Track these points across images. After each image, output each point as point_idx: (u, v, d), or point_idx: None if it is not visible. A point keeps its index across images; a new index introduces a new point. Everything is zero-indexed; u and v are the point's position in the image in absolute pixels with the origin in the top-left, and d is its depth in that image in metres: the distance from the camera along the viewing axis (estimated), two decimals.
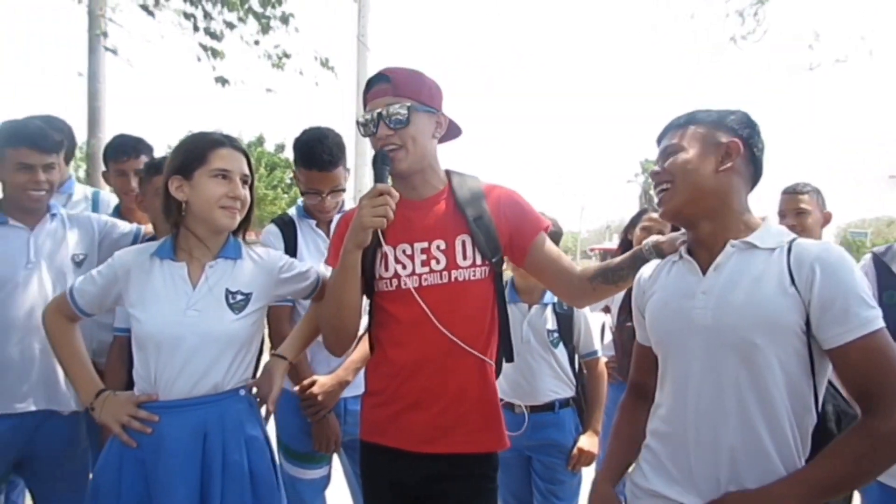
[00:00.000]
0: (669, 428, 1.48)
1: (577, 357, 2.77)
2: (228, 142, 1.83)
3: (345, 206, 2.51)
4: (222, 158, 1.79)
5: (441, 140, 1.84)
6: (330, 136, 2.36)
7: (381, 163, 1.70)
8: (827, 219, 2.89)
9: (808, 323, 1.32)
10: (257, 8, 4.26)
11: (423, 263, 1.74)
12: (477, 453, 1.77)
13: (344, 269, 1.69)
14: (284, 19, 4.32)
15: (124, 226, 2.51)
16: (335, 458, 2.53)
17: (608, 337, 3.33)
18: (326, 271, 2.04)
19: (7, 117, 2.32)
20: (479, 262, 1.76)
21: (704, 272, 1.45)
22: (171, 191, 1.79)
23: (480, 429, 1.77)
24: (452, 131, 1.86)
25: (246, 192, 1.84)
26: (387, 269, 1.74)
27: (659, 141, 1.57)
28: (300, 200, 2.55)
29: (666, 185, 1.48)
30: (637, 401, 1.67)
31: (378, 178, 1.67)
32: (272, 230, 2.47)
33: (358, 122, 1.79)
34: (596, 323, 3.00)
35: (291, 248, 2.40)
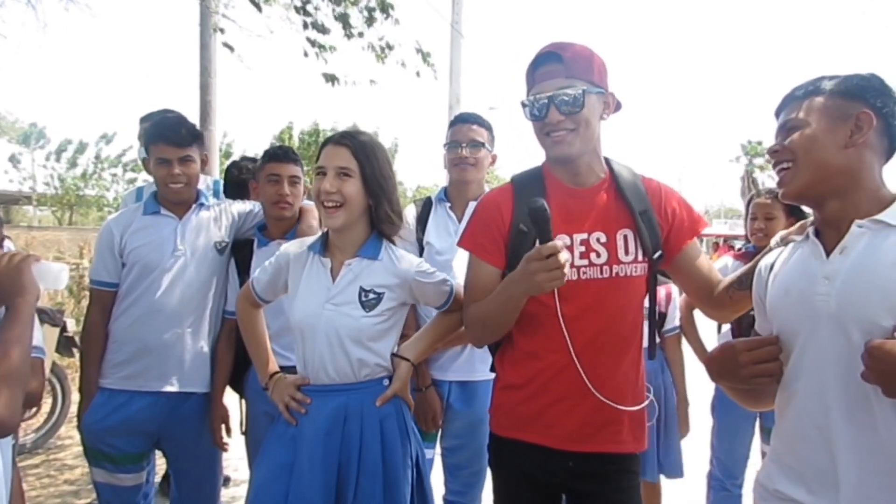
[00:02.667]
0: (792, 427, 1.39)
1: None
2: (339, 139, 1.89)
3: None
4: (323, 156, 1.88)
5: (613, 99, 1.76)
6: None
7: (539, 219, 1.50)
8: None
9: None
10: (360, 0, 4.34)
11: (583, 255, 1.69)
12: (623, 453, 1.74)
13: (508, 308, 1.64)
14: (384, 8, 4.38)
15: (254, 205, 2.66)
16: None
17: (726, 326, 3.22)
18: (458, 257, 2.13)
19: (135, 112, 2.57)
20: (640, 258, 1.71)
21: (829, 255, 1.35)
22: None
23: (630, 428, 1.74)
24: (617, 100, 1.78)
25: (348, 188, 1.84)
26: None
27: (777, 114, 1.44)
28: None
29: (787, 164, 1.37)
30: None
31: (542, 233, 1.51)
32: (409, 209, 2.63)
33: (523, 105, 1.72)
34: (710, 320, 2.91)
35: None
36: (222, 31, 5.09)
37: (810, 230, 1.44)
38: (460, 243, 1.84)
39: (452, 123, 2.61)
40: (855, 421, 1.27)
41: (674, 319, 3.10)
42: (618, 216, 1.72)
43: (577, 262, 1.68)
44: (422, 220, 2.58)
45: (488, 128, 2.59)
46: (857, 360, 1.23)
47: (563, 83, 1.65)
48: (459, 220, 2.55)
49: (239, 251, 2.55)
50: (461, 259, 2.42)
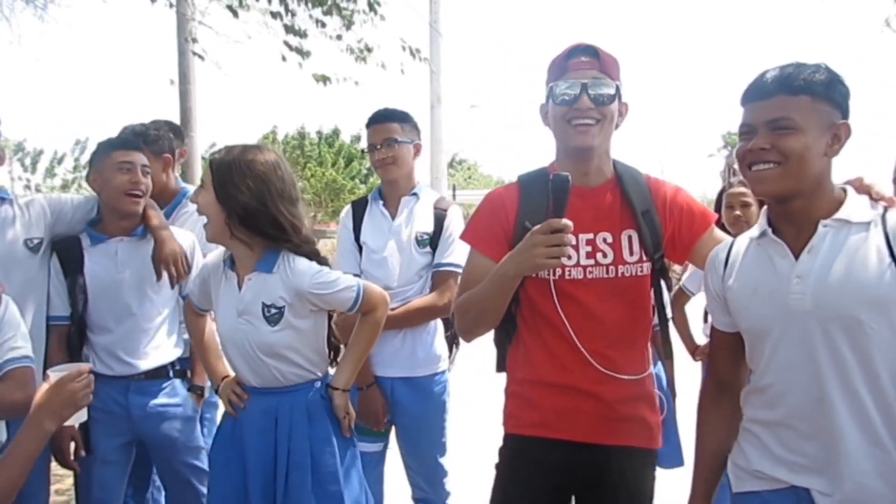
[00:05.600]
0: (776, 416, 1.44)
1: None
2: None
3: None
4: None
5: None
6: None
7: (559, 190, 1.50)
8: None
9: None
10: (341, 2, 4.31)
11: (588, 255, 1.69)
12: (642, 448, 1.77)
13: (499, 290, 1.63)
14: (371, 6, 4.35)
15: (75, 198, 2.43)
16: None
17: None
18: (458, 249, 2.20)
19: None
20: (644, 258, 1.72)
21: (795, 253, 1.39)
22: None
23: (649, 424, 1.78)
24: None
25: (202, 199, 1.93)
26: None
27: (754, 97, 1.40)
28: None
29: (773, 164, 1.36)
30: (722, 395, 1.61)
31: (557, 206, 1.50)
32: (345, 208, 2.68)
33: (551, 89, 1.73)
34: (698, 307, 2.95)
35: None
36: (195, 40, 5.05)
37: (767, 229, 1.46)
38: (462, 237, 1.86)
39: (367, 125, 2.61)
40: (848, 412, 1.32)
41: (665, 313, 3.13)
42: (622, 217, 1.73)
43: (584, 261, 1.69)
44: (357, 222, 2.60)
45: (403, 119, 2.56)
46: (840, 353, 1.31)
47: (598, 75, 1.69)
48: (393, 217, 2.56)
49: (64, 250, 2.30)
50: (394, 255, 2.48)
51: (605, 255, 1.70)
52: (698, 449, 1.65)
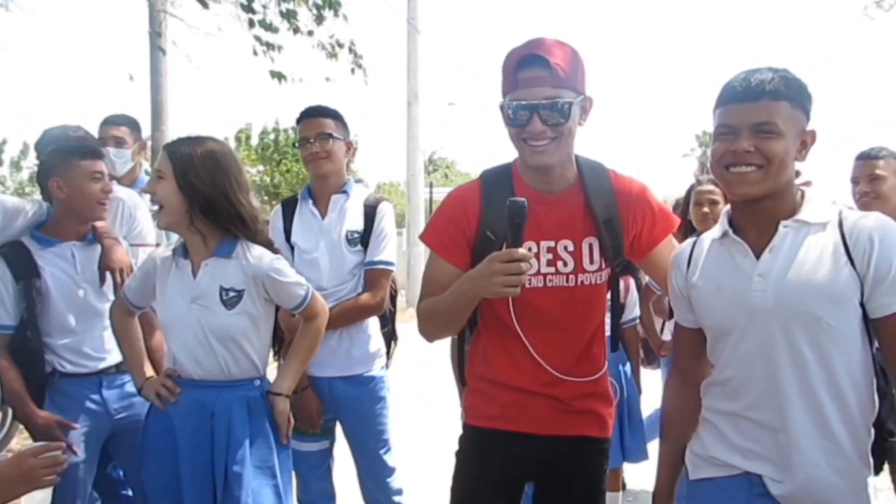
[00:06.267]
0: (733, 407, 1.48)
1: None
2: (165, 146, 2.00)
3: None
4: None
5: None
6: None
7: (516, 216, 1.48)
8: None
9: (862, 295, 1.34)
10: None
11: (549, 263, 1.68)
12: (596, 437, 1.80)
13: (459, 306, 1.64)
14: (332, 5, 4.32)
15: (26, 204, 2.37)
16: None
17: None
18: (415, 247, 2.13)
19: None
20: (603, 266, 1.72)
21: (756, 252, 1.43)
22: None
23: (602, 415, 1.81)
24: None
25: (161, 189, 1.92)
26: None
27: (737, 99, 1.40)
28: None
29: (754, 167, 1.39)
30: (685, 389, 1.65)
31: (515, 233, 1.49)
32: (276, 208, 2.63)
33: (502, 109, 1.64)
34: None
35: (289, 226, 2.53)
36: (159, 34, 4.97)
37: (728, 229, 1.49)
38: (422, 237, 1.82)
39: (299, 120, 2.57)
40: (803, 406, 1.37)
41: (632, 311, 3.17)
42: (584, 224, 1.70)
43: (545, 269, 1.68)
44: (287, 222, 2.55)
45: (336, 116, 2.55)
46: (799, 349, 1.36)
47: (549, 93, 1.57)
48: (323, 216, 2.53)
49: (13, 256, 2.24)
50: (325, 255, 2.46)
51: (565, 264, 1.69)
52: (662, 441, 1.68)
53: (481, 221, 1.70)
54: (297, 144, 2.60)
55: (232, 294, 1.95)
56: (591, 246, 1.70)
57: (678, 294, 1.61)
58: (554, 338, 1.72)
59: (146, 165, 3.21)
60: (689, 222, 3.11)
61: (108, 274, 2.31)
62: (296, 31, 4.30)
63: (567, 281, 1.69)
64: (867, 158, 2.76)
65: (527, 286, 1.60)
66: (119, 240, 2.42)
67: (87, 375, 2.32)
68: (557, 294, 1.69)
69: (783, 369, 1.38)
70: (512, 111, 1.60)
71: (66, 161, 2.27)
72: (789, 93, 1.39)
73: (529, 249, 1.62)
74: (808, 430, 1.36)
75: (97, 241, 2.35)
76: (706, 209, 3.04)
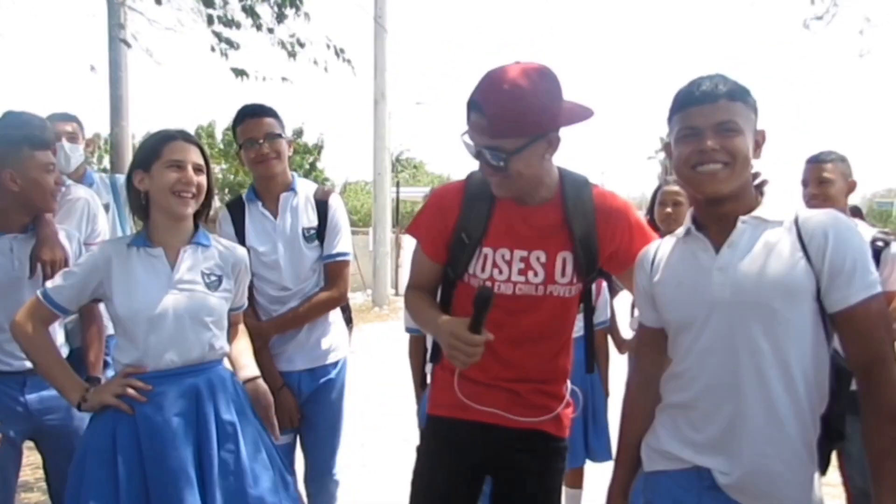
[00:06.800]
0: (688, 399, 1.51)
1: None
2: (181, 136, 1.98)
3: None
4: (174, 150, 1.93)
5: (569, 124, 1.64)
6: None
7: (482, 304, 1.55)
8: (851, 187, 2.87)
9: (818, 290, 1.38)
10: None
11: (521, 272, 1.70)
12: (553, 434, 1.84)
13: (428, 330, 1.81)
14: (293, 3, 4.27)
15: None
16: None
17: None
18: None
19: (35, 107, 2.36)
20: (575, 280, 1.74)
21: (716, 247, 1.48)
22: (135, 184, 1.95)
23: (560, 416, 1.84)
24: (579, 115, 1.64)
25: (201, 180, 1.95)
26: (483, 270, 1.72)
27: (696, 102, 1.45)
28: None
29: (721, 164, 1.43)
30: (646, 387, 1.66)
31: (477, 318, 1.56)
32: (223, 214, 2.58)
33: (463, 142, 1.67)
34: (626, 302, 3.04)
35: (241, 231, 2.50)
36: (122, 27, 4.86)
37: (691, 227, 1.54)
38: (409, 231, 1.87)
39: (238, 120, 2.49)
40: (756, 396, 1.41)
41: (603, 314, 3.19)
42: (560, 238, 1.72)
43: (515, 277, 1.71)
44: (239, 226, 2.50)
45: (276, 115, 2.53)
46: (755, 340, 1.40)
47: (487, 142, 1.57)
48: (275, 216, 2.50)
49: None
50: (285, 256, 2.46)
51: (536, 274, 1.71)
52: (621, 438, 1.71)
53: (458, 222, 1.74)
54: (240, 147, 2.51)
55: (213, 278, 1.99)
56: (564, 260, 1.72)
57: (642, 293, 1.64)
58: (520, 343, 1.75)
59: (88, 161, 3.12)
60: (653, 222, 3.17)
61: (38, 266, 2.19)
62: (258, 28, 4.23)
63: (536, 290, 1.72)
64: (815, 162, 2.86)
65: (496, 291, 1.65)
66: (60, 233, 2.30)
67: (10, 374, 2.21)
68: (526, 301, 1.73)
69: (740, 360, 1.42)
70: (465, 146, 1.66)
71: (20, 152, 2.19)
72: (741, 94, 1.46)
73: (503, 257, 1.69)
74: (759, 420, 1.40)
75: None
76: (669, 209, 3.10)
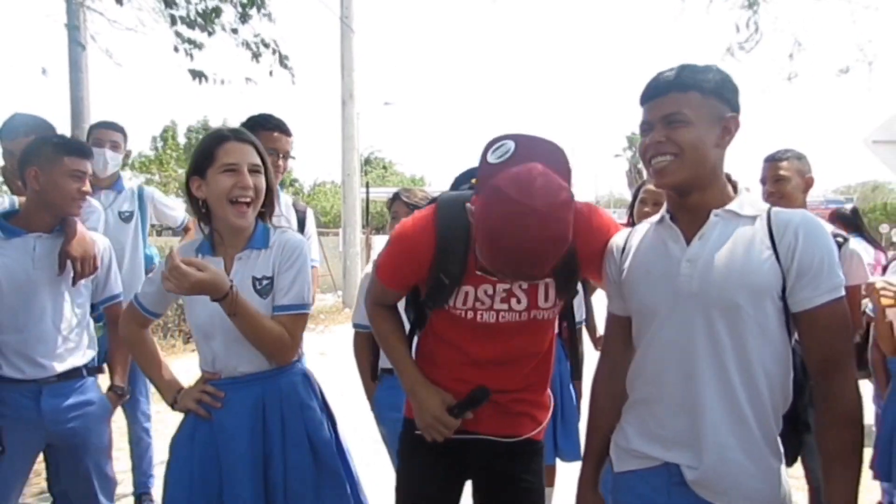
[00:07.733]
0: (652, 392, 1.53)
1: None
2: (234, 135, 1.88)
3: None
4: (227, 153, 1.84)
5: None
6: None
7: (476, 402, 1.72)
8: (809, 184, 2.91)
9: (783, 288, 1.40)
10: None
11: (503, 300, 1.70)
12: (533, 438, 1.87)
13: (396, 370, 1.82)
14: (256, 3, 4.21)
15: None
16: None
17: None
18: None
19: None
20: (557, 301, 1.75)
21: (687, 239, 1.48)
22: (192, 191, 1.88)
23: (540, 419, 1.88)
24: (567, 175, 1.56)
25: (258, 182, 1.87)
26: (465, 303, 1.70)
27: (647, 98, 1.49)
28: None
29: (670, 156, 1.45)
30: (613, 378, 1.67)
31: (463, 407, 1.72)
32: None
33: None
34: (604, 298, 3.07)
35: None
36: (77, 28, 4.74)
37: (666, 215, 1.55)
38: (378, 275, 1.78)
39: (252, 130, 2.24)
40: (715, 388, 1.42)
41: (579, 313, 3.18)
42: None
43: (497, 305, 1.70)
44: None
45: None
46: (717, 334, 1.41)
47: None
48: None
49: None
50: None
51: (519, 301, 1.71)
52: (589, 431, 1.71)
53: (433, 266, 1.67)
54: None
55: (265, 282, 1.90)
56: (546, 286, 1.72)
57: (612, 281, 1.65)
58: (502, 362, 1.77)
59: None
60: (630, 218, 3.17)
61: (68, 263, 2.21)
62: (222, 28, 4.17)
63: (520, 317, 1.73)
64: (772, 160, 2.91)
65: (478, 320, 1.69)
66: (86, 231, 2.32)
67: (25, 382, 2.18)
68: (508, 327, 1.73)
69: (700, 353, 1.43)
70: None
71: (51, 155, 2.21)
72: (699, 84, 1.44)
73: (486, 292, 1.68)
74: (720, 412, 1.41)
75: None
76: (648, 209, 3.09)
